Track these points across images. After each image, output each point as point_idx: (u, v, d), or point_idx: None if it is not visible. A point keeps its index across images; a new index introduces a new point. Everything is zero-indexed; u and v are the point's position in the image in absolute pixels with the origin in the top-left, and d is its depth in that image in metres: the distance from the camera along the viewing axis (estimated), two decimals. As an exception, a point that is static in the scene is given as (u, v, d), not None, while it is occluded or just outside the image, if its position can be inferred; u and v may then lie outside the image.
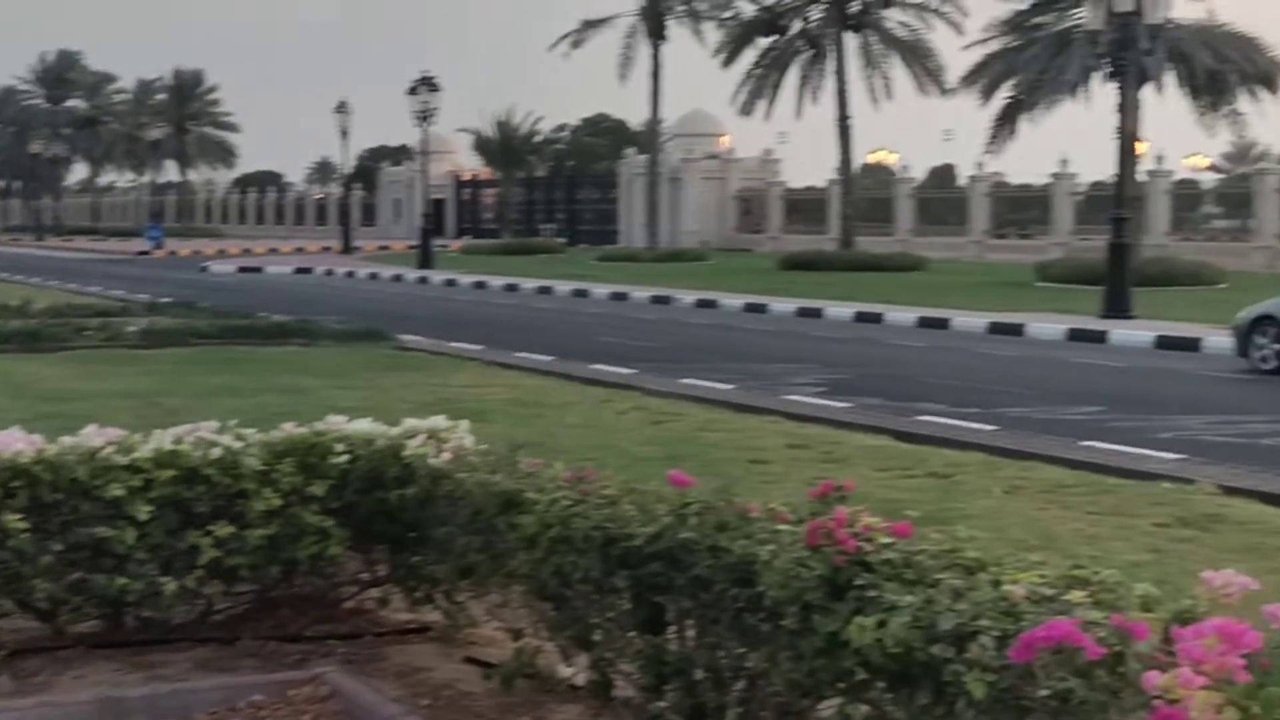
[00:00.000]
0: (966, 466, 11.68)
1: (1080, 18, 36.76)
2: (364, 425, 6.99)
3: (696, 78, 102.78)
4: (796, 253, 50.71)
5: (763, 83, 55.77)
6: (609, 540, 5.21)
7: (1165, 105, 66.27)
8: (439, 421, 6.90)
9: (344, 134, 68.82)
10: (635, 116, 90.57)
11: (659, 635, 5.18)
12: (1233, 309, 22.44)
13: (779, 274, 45.14)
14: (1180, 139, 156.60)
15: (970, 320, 28.49)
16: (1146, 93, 40.00)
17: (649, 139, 63.02)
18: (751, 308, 33.54)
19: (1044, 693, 3.55)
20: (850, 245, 51.25)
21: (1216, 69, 42.50)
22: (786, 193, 68.35)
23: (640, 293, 37.63)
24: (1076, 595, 3.81)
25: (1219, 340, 22.55)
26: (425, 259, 51.84)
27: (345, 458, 6.77)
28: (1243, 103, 43.98)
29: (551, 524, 5.47)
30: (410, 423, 6.93)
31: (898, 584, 4.09)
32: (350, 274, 50.52)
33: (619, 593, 5.25)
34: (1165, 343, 24.37)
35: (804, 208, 66.76)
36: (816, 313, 31.60)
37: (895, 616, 3.94)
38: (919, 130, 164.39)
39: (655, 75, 58.87)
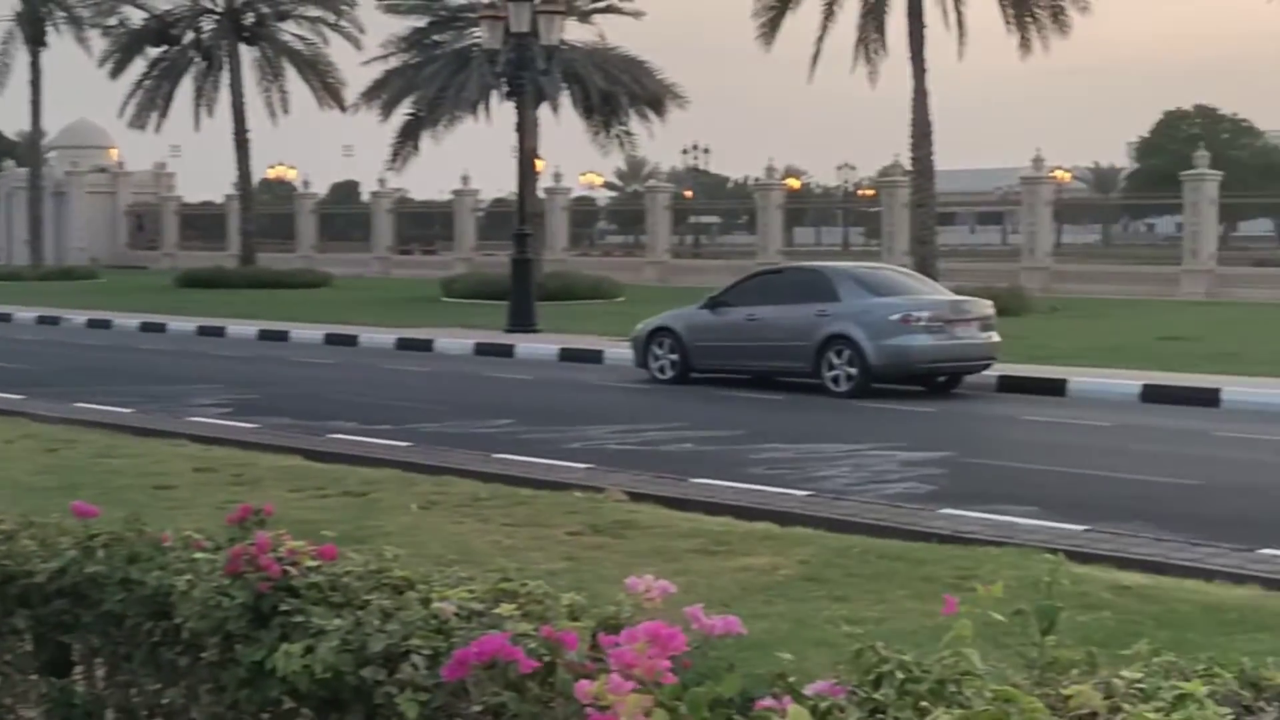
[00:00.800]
0: (382, 484, 11.66)
1: (479, 37, 37.38)
2: None
3: (84, 87, 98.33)
4: (195, 270, 49.54)
5: (154, 94, 54.00)
6: (7, 578, 4.88)
7: (562, 124, 68.31)
8: None
9: None
10: (13, 126, 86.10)
11: (65, 676, 4.87)
12: (631, 321, 23.38)
13: (177, 292, 44.05)
14: (577, 157, 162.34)
15: (378, 336, 28.53)
16: (544, 112, 41.34)
17: (30, 151, 60.03)
18: (149, 327, 32.46)
19: (477, 708, 3.52)
20: (252, 262, 50.48)
21: (609, 90, 44.24)
22: (182, 208, 66.73)
23: (25, 313, 35.86)
24: (506, 608, 3.80)
25: (620, 352, 23.42)
26: None
27: None
28: (634, 123, 46.00)
29: (-63, 565, 5.04)
30: None
31: (325, 608, 3.98)
32: None
33: (19, 634, 4.92)
34: (569, 355, 25.12)
35: (202, 223, 65.37)
36: (219, 331, 30.90)
37: (323, 641, 3.84)
38: (321, 145, 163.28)
39: (35, 84, 56.27)
